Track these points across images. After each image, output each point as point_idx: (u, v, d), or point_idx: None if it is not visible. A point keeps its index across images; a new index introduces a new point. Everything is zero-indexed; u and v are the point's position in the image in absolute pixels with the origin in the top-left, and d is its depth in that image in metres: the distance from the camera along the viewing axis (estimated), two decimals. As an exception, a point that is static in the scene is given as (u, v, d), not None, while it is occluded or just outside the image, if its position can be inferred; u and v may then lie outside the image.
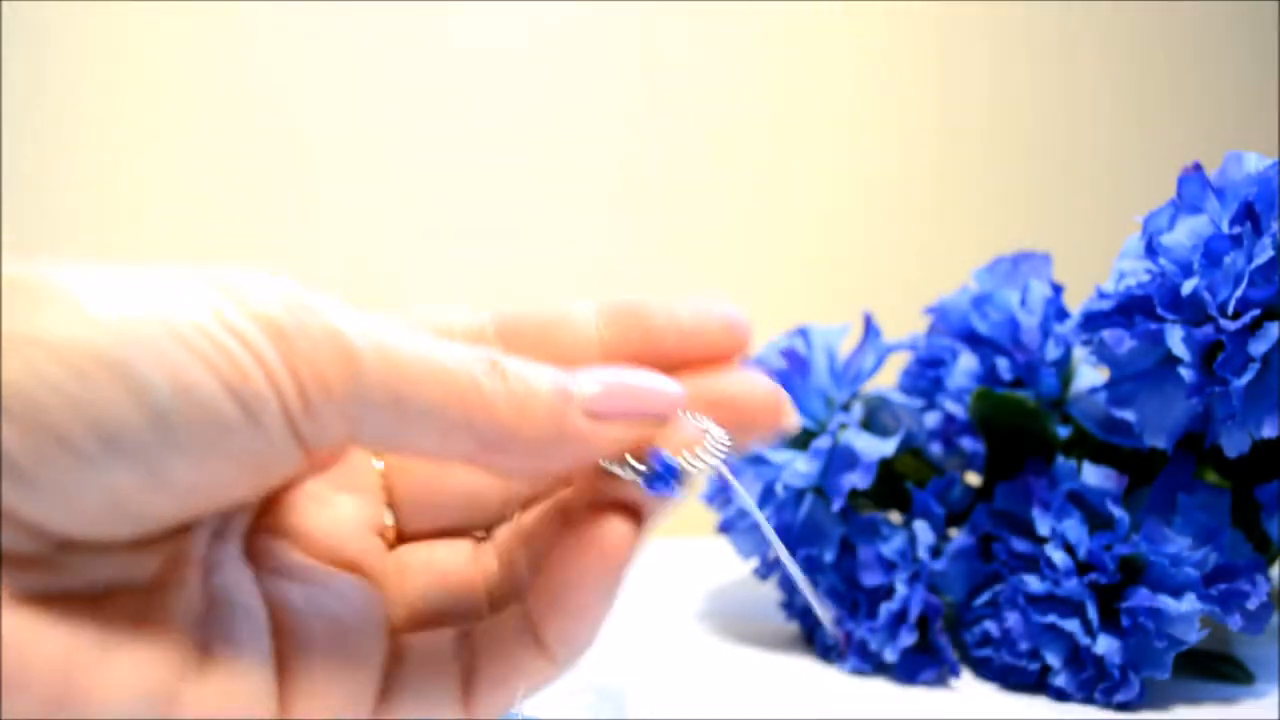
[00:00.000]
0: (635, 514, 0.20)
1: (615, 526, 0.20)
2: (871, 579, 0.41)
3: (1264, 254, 0.34)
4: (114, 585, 0.17)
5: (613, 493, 0.20)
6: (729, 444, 0.20)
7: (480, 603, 0.23)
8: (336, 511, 0.22)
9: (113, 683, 0.16)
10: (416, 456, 0.19)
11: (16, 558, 0.16)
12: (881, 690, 0.40)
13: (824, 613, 0.37)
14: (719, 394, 0.21)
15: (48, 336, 0.15)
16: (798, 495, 0.43)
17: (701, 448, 0.20)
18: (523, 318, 0.22)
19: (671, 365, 0.21)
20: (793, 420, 0.22)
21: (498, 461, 0.19)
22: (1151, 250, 0.37)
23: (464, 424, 0.18)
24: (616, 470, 0.20)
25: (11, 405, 0.15)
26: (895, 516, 0.44)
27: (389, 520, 0.23)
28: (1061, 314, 0.42)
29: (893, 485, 0.44)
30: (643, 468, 0.20)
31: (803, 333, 0.45)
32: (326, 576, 0.21)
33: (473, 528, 0.24)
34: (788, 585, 0.46)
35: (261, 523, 0.21)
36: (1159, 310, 0.36)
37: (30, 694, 0.15)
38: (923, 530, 0.41)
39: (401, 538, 0.24)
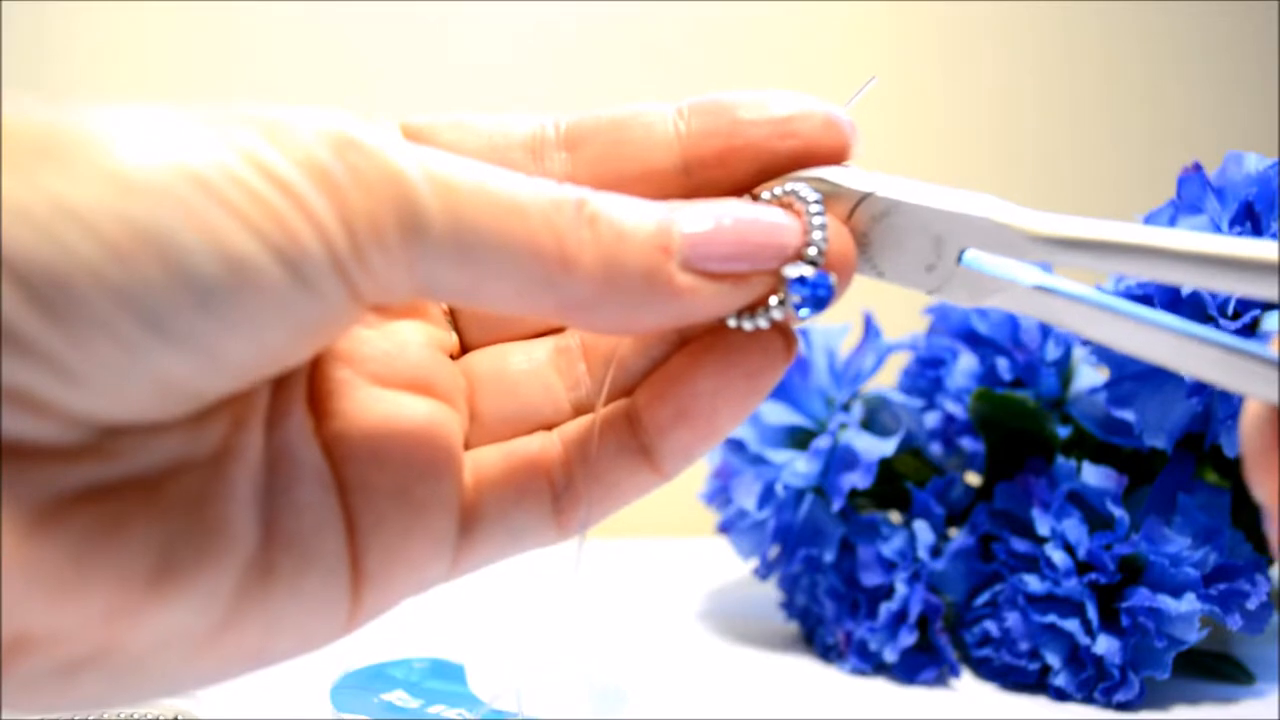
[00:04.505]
0: (784, 329, 0.19)
1: (764, 344, 0.18)
2: (871, 579, 0.41)
3: (1264, 254, 0.34)
4: (172, 466, 0.15)
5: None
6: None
7: (563, 412, 0.20)
8: (400, 335, 0.20)
9: (172, 597, 0.15)
10: (491, 310, 0.17)
11: (57, 450, 0.14)
12: (881, 690, 0.40)
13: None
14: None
15: (77, 205, 0.13)
16: (798, 495, 0.43)
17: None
18: (590, 119, 0.19)
19: (761, 170, 0.19)
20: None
21: (582, 322, 0.17)
22: (1151, 250, 0.36)
23: (543, 283, 0.16)
24: (744, 325, 0.18)
25: (48, 293, 0.13)
26: (895, 516, 0.44)
27: (454, 338, 0.21)
28: (1061, 314, 0.42)
29: (893, 485, 0.44)
30: (777, 314, 0.18)
31: (802, 332, 0.45)
32: (394, 407, 0.18)
33: (551, 332, 0.21)
34: (788, 585, 0.46)
35: (323, 353, 0.19)
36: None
37: (85, 608, 0.14)
38: (923, 530, 0.41)
39: (468, 349, 0.21)
